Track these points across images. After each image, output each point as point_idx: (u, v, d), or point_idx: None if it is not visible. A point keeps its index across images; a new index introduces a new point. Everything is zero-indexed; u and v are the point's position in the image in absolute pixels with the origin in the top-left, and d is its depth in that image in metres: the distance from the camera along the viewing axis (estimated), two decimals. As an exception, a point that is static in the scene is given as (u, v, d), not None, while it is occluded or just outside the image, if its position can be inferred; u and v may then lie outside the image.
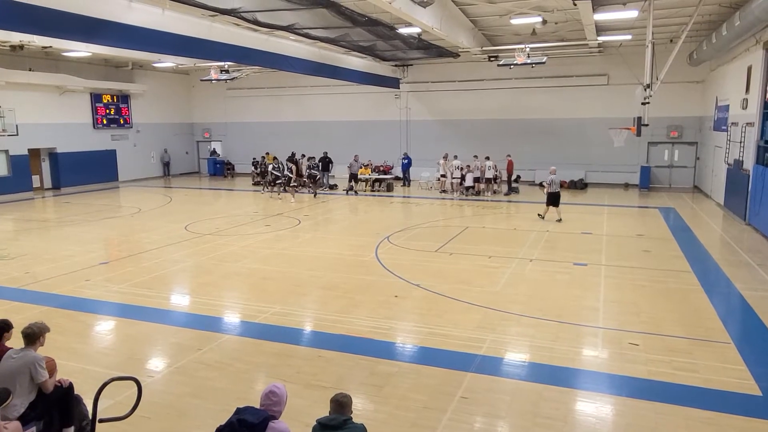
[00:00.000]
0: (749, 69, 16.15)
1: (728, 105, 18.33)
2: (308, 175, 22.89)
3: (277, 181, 21.55)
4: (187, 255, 12.78)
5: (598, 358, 7.10)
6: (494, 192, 22.68)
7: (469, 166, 22.50)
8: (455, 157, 23.09)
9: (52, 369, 4.80)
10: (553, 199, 16.44)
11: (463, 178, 22.28)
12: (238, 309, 9.29)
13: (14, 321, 5.23)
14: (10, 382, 4.48)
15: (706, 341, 7.54)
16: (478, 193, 22.31)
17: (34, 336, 4.75)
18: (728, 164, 17.92)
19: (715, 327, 8.06)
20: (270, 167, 22.28)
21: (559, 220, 16.15)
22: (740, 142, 16.44)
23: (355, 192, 23.66)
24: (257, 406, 3.85)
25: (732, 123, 17.69)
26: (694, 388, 6.24)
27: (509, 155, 22.99)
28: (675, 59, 15.15)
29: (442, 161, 23.78)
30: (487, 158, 22.34)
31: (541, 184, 16.52)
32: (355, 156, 24.70)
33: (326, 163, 25.63)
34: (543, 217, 16.53)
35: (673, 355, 7.09)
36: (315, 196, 22.24)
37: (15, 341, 5.07)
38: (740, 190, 16.11)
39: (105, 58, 25.31)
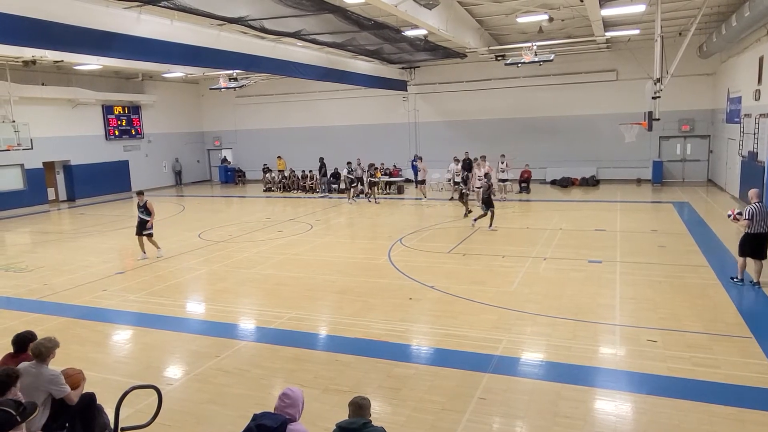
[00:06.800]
0: (761, 59, 15.96)
1: (740, 96, 18.12)
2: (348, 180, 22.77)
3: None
4: (201, 263, 12.87)
5: (617, 356, 7.04)
6: (505, 192, 22.53)
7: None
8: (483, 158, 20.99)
9: (79, 381, 4.85)
10: (756, 246, 9.20)
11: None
12: (254, 315, 9.34)
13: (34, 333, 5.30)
14: (27, 396, 4.52)
15: (726, 336, 7.45)
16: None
17: (42, 355, 4.75)
18: (742, 156, 17.71)
19: (735, 321, 7.96)
20: None
21: (757, 284, 9.30)
22: (754, 134, 16.24)
23: (366, 196, 22.88)
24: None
25: (745, 115, 17.48)
26: (716, 384, 6.17)
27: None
28: (685, 52, 15.03)
29: (454, 166, 22.00)
30: (503, 156, 22.11)
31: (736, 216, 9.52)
32: (358, 159, 23.20)
33: (321, 167, 26.13)
34: (758, 284, 9.32)
35: (692, 351, 7.02)
36: (354, 197, 22.20)
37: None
38: (755, 182, 15.89)
39: (115, 71, 25.61)
